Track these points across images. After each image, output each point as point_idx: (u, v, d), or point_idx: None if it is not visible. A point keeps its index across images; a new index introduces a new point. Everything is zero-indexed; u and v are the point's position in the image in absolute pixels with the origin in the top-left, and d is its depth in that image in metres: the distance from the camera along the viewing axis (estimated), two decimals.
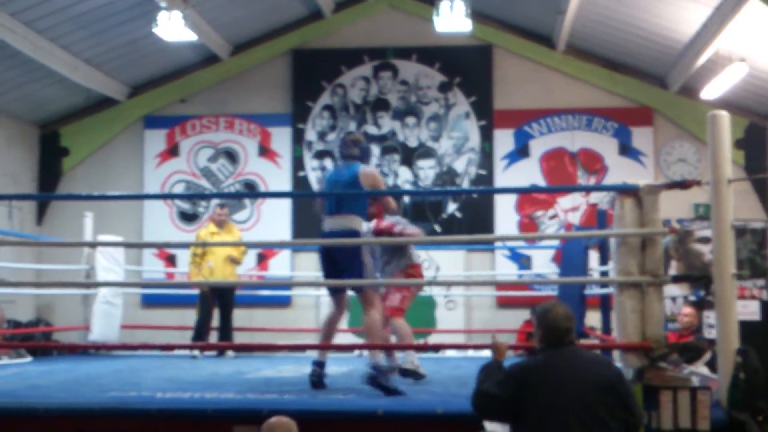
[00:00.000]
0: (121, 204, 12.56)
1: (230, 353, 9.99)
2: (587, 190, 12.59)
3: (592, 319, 9.04)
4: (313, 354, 6.89)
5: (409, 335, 7.32)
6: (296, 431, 4.40)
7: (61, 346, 10.26)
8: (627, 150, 12.51)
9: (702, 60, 10.42)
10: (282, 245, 12.69)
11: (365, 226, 6.93)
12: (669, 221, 6.17)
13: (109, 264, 10.21)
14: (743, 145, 11.86)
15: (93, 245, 9.64)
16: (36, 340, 10.54)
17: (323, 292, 12.27)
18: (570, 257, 8.98)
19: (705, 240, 8.88)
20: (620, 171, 12.05)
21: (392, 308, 7.38)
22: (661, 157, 12.45)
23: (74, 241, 10.58)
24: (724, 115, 5.38)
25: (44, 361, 9.41)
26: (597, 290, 8.95)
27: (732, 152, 5.44)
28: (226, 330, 10.21)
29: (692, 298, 9.50)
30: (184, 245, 12.13)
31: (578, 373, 4.34)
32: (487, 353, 9.36)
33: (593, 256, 8.97)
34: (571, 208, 12.55)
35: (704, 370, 6.59)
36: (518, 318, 11.58)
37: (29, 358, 9.41)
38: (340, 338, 11.77)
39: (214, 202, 12.18)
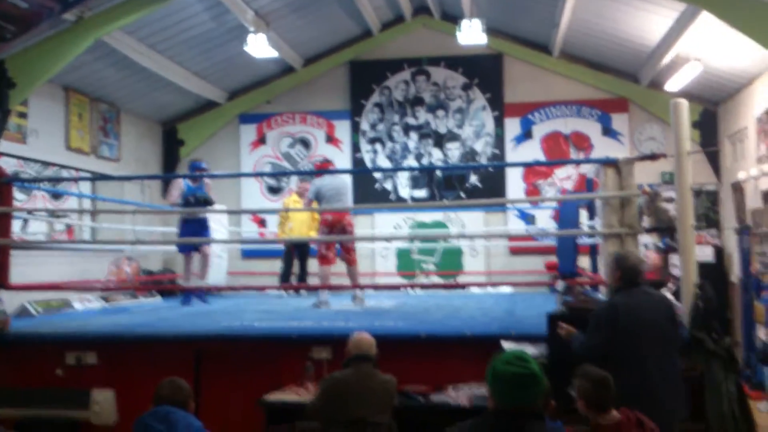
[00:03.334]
0: (225, 181, 12.63)
1: (303, 292, 10.20)
2: (578, 163, 12.41)
3: (583, 262, 8.98)
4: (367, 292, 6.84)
5: (323, 279, 8.09)
6: (375, 346, 4.59)
7: (182, 288, 10.40)
8: (608, 132, 12.30)
9: (666, 60, 10.18)
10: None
11: None
12: (642, 186, 6.08)
13: (217, 226, 10.34)
14: (699, 126, 11.58)
15: (205, 212, 9.72)
16: (164, 285, 10.73)
17: (376, 245, 12.41)
18: (565, 215, 8.90)
19: (670, 200, 8.73)
20: (603, 148, 11.81)
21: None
22: (635, 137, 12.22)
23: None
24: (684, 103, 5.29)
25: (170, 300, 9.60)
26: (587, 240, 8.89)
27: (690, 131, 5.34)
28: (302, 275, 10.39)
29: (660, 245, 9.39)
30: (271, 212, 12.44)
31: (656, 308, 4.20)
32: (503, 290, 9.42)
33: (583, 214, 8.90)
34: (565, 177, 12.38)
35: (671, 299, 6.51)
36: (527, 263, 11.56)
37: (159, 298, 9.59)
38: (390, 279, 11.86)
39: (294, 178, 12.32)
